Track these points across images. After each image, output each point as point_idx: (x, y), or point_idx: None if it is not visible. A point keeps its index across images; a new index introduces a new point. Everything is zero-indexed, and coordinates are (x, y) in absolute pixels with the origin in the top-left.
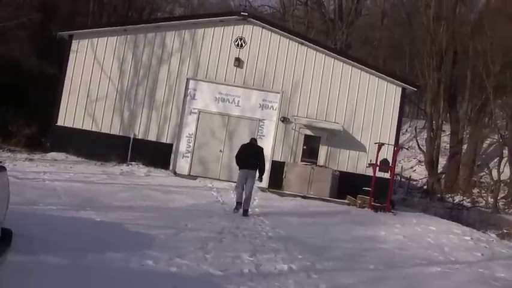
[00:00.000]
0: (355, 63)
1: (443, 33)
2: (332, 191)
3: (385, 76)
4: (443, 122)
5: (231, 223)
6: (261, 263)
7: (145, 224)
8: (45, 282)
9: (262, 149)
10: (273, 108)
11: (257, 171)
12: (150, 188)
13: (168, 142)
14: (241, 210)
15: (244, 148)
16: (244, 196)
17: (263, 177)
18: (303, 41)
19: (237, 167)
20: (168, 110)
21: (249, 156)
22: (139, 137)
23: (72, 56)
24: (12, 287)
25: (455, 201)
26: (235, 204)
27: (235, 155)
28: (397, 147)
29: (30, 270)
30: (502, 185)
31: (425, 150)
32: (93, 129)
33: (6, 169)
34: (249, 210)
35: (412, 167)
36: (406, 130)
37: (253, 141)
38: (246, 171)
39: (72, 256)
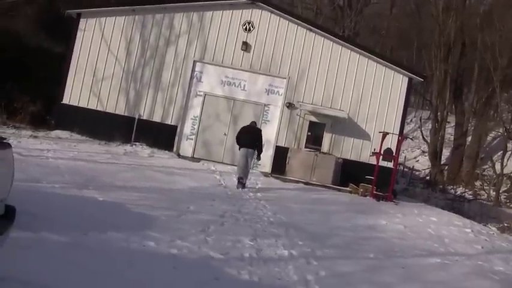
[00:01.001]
0: (363, 52)
1: (452, 24)
2: (335, 178)
3: (392, 65)
4: (449, 113)
5: (233, 207)
6: (261, 248)
7: (148, 204)
8: (42, 258)
9: (261, 130)
10: (278, 94)
11: (256, 150)
12: (153, 169)
13: (172, 124)
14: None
15: (244, 129)
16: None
17: (265, 161)
18: (311, 27)
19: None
20: (173, 91)
21: (249, 137)
22: (144, 118)
23: (79, 34)
24: (8, 262)
25: (457, 193)
26: (236, 182)
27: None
28: (402, 137)
29: (28, 247)
30: (505, 178)
31: (429, 141)
32: (98, 109)
33: (11, 146)
34: (247, 183)
35: (415, 158)
36: (411, 120)
37: (253, 123)
38: (246, 149)
39: (73, 234)
